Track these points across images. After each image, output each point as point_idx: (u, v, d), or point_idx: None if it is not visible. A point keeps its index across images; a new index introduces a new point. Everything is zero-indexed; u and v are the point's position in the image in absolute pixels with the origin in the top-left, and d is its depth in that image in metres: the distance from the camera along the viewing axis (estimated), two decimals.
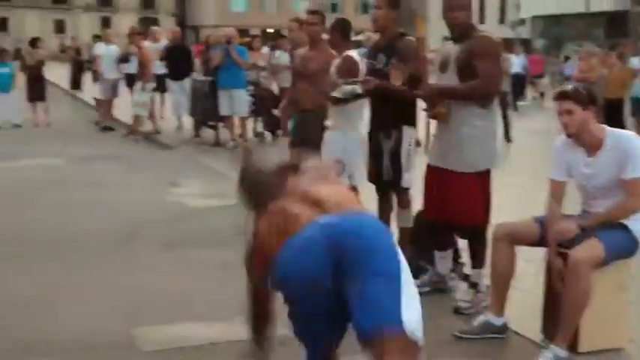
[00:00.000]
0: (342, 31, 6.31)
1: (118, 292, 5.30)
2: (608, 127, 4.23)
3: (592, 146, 4.17)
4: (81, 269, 5.86)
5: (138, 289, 5.37)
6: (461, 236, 5.16)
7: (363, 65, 5.92)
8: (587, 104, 4.11)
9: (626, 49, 15.75)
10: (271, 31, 41.07)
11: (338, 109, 6.06)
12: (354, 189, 6.30)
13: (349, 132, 6.13)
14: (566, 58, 25.77)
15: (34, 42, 16.69)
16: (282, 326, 4.61)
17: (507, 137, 14.32)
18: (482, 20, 68.38)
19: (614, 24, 37.84)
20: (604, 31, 38.62)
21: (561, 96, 4.19)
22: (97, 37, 17.95)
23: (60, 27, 63.55)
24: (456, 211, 4.79)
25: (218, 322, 4.69)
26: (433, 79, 5.07)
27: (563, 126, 4.18)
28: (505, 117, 14.44)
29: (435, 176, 4.92)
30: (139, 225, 7.18)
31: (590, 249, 3.99)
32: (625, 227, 4.10)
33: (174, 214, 7.68)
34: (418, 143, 9.17)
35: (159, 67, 14.74)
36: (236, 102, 12.03)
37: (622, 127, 10.60)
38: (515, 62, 20.12)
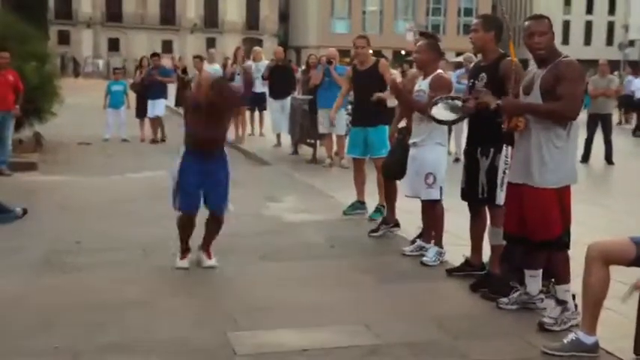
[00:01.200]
0: (434, 51, 6.48)
1: (215, 297, 5.53)
2: None
3: None
4: (180, 275, 6.11)
5: (235, 296, 5.58)
6: (542, 251, 5.14)
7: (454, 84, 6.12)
8: None
9: None
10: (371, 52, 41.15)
11: (422, 126, 6.24)
12: (439, 201, 6.45)
13: (436, 146, 6.34)
14: None
15: (141, 61, 17.40)
16: (375, 336, 4.74)
17: (609, 160, 13.99)
18: (587, 42, 66.98)
19: None
20: None
21: None
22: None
23: (168, 47, 65.73)
24: (535, 225, 4.84)
25: (310, 330, 4.83)
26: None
27: None
28: (608, 140, 14.13)
29: (516, 193, 4.98)
30: (237, 236, 7.41)
31: None
32: None
33: (271, 228, 7.89)
34: None
35: (258, 86, 15.22)
36: (335, 121, 12.19)
37: None
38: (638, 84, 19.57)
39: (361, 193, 8.61)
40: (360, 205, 8.56)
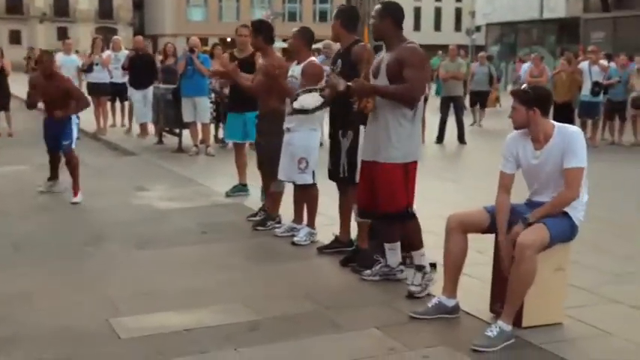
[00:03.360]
0: (307, 39, 6.72)
1: (93, 286, 5.56)
2: (558, 123, 4.63)
3: (540, 140, 4.58)
4: (56, 267, 6.09)
5: (113, 283, 5.64)
6: (395, 224, 5.49)
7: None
8: (531, 104, 4.53)
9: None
10: (230, 40, 41.07)
11: None
12: (313, 185, 6.72)
13: (309, 132, 6.59)
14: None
15: None
16: (253, 313, 4.96)
17: (462, 140, 14.77)
18: (437, 28, 69.47)
19: (565, 30, 38.76)
20: (556, 37, 39.54)
21: (510, 94, 4.71)
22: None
23: (16, 37, 62.95)
24: (383, 198, 5.22)
25: (190, 311, 4.98)
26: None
27: (512, 121, 4.63)
28: (459, 121, 14.90)
29: (367, 169, 5.36)
30: (110, 226, 7.44)
31: (536, 234, 4.39)
32: (566, 214, 4.52)
33: (143, 216, 7.94)
34: None
35: (118, 76, 15.09)
36: (199, 109, 12.30)
37: None
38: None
39: (243, 176, 8.86)
40: (242, 187, 8.82)
